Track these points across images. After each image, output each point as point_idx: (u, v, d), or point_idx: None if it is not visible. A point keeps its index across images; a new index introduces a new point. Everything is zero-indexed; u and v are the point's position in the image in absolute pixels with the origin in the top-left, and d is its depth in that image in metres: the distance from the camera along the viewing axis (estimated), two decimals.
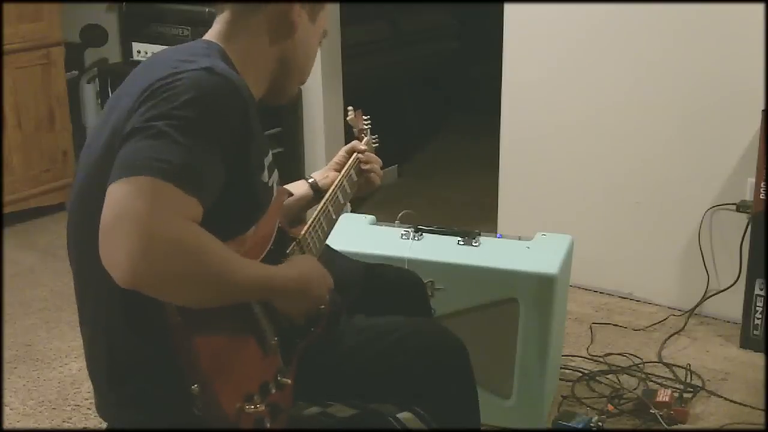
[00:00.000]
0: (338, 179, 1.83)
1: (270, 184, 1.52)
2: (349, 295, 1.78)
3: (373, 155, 1.97)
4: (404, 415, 1.63)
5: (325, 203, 1.74)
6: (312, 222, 1.66)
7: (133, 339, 1.40)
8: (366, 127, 2.04)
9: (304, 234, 1.61)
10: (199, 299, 1.28)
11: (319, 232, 1.68)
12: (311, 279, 1.49)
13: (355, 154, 1.92)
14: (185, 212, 1.24)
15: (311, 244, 1.62)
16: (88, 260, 1.25)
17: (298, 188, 1.87)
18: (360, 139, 2.00)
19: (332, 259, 1.92)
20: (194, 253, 1.23)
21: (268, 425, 1.38)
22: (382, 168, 1.96)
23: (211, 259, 1.25)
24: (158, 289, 1.23)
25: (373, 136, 2.08)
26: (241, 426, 1.34)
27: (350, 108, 2.03)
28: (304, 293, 1.47)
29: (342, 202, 1.81)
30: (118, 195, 1.22)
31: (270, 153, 1.55)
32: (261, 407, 1.36)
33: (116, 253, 1.20)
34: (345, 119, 2.05)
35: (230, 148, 1.34)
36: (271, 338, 1.44)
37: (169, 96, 1.30)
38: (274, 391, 1.42)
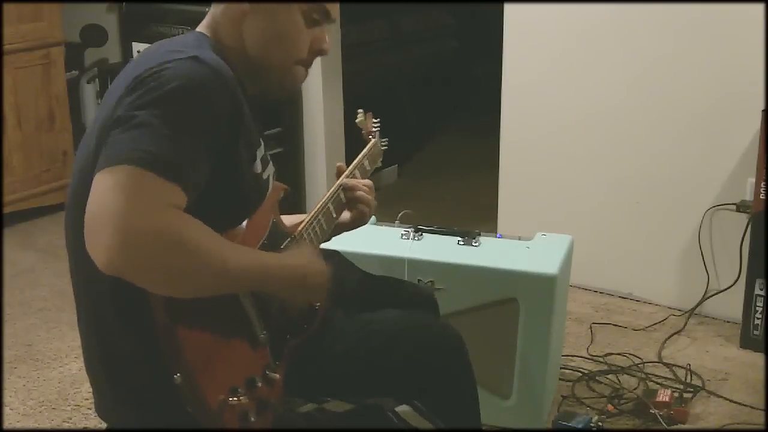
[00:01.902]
0: (333, 188, 1.77)
1: (264, 177, 1.52)
2: (354, 308, 1.77)
3: (362, 180, 1.82)
4: (402, 409, 1.62)
5: (325, 201, 1.71)
6: (310, 220, 1.64)
7: (128, 336, 1.40)
8: (375, 129, 2.03)
9: (301, 231, 1.60)
10: (185, 287, 1.27)
11: (318, 230, 1.66)
12: (309, 269, 1.46)
13: (342, 177, 1.80)
14: (167, 200, 1.24)
15: (308, 242, 1.61)
16: (83, 254, 1.25)
17: (295, 220, 1.75)
18: (368, 141, 1.99)
19: (341, 268, 1.90)
20: (176, 240, 1.22)
21: (253, 419, 1.37)
22: (375, 190, 1.82)
23: (196, 246, 1.24)
24: (141, 276, 1.23)
25: (383, 139, 2.07)
26: (224, 418, 1.33)
27: (360, 110, 2.01)
28: (300, 283, 1.44)
29: (334, 216, 1.75)
30: (101, 185, 1.23)
31: (263, 145, 1.53)
32: (245, 400, 1.35)
33: (99, 241, 1.20)
34: (355, 121, 2.02)
35: (217, 137, 1.34)
36: (259, 332, 1.44)
37: (156, 85, 1.31)
38: (260, 385, 1.41)
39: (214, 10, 1.54)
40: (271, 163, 1.57)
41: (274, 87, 1.57)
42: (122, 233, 1.19)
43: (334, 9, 1.59)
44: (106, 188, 1.22)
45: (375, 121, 2.05)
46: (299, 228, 1.60)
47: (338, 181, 1.79)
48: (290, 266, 1.43)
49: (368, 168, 1.95)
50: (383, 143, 2.07)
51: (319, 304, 1.59)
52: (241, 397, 1.35)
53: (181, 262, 1.23)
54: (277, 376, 1.45)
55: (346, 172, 1.82)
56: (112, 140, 1.28)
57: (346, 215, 1.80)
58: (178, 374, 1.30)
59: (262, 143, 1.54)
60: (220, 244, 1.29)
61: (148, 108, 1.28)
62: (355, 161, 1.90)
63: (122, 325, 1.40)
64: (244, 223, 1.45)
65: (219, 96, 1.35)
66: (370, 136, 2.01)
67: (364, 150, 1.97)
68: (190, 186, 1.28)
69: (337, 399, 1.63)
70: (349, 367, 1.62)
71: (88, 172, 1.33)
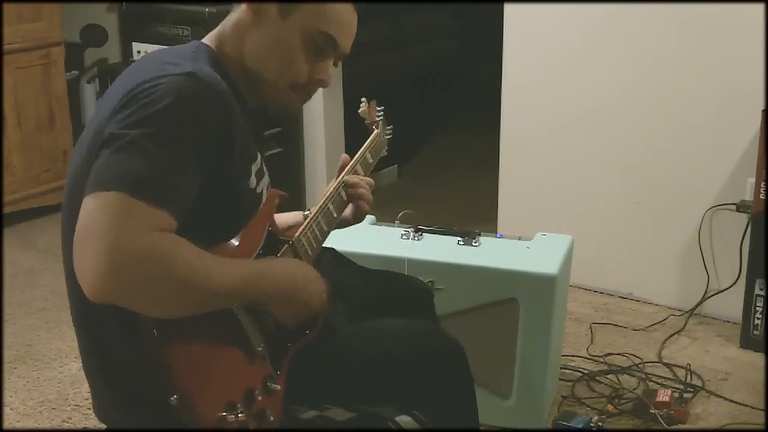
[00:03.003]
0: (335, 185, 1.74)
1: (258, 190, 1.51)
2: (353, 303, 1.76)
3: (363, 178, 1.78)
4: (403, 419, 1.62)
5: (325, 201, 1.69)
6: (308, 223, 1.62)
7: (124, 341, 1.39)
8: (378, 119, 1.99)
9: (299, 236, 1.57)
10: (174, 309, 1.27)
11: (317, 232, 1.64)
12: (301, 280, 1.46)
13: (343, 172, 1.78)
14: (154, 225, 1.24)
15: (306, 246, 1.59)
16: None
17: (293, 218, 1.76)
18: (371, 131, 1.96)
19: (337, 264, 1.89)
20: (164, 264, 1.22)
21: None
22: (374, 191, 1.79)
23: (184, 268, 1.24)
24: (128, 302, 1.23)
25: (388, 127, 2.03)
26: None
27: (363, 99, 1.97)
28: (293, 293, 1.44)
29: (335, 216, 1.73)
30: (88, 210, 1.23)
31: (259, 158, 1.52)
32: (243, 416, 1.33)
33: (84, 269, 1.21)
34: (358, 111, 1.97)
35: (209, 155, 1.33)
36: (257, 344, 1.42)
37: (147, 102, 1.30)
38: (260, 398, 1.39)
39: (225, 20, 1.54)
40: (266, 174, 1.56)
41: (268, 104, 1.56)
42: (108, 260, 1.19)
43: (343, 39, 1.55)
44: (92, 212, 1.23)
45: (379, 109, 2.01)
46: (297, 233, 1.57)
47: (338, 178, 1.76)
48: (282, 276, 1.42)
49: (371, 161, 1.90)
50: (387, 132, 2.03)
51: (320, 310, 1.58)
52: (239, 414, 1.33)
53: (169, 284, 1.24)
54: (278, 387, 1.44)
55: (347, 169, 1.79)
56: (103, 161, 1.27)
57: (345, 212, 1.77)
58: (174, 396, 1.28)
59: (259, 156, 1.53)
60: (208, 261, 1.29)
61: (139, 127, 1.28)
62: (357, 155, 1.86)
63: (118, 330, 1.39)
64: (240, 234, 1.44)
65: (211, 113, 1.34)
66: (374, 126, 1.98)
67: (366, 142, 1.93)
68: (179, 208, 1.28)
69: (338, 406, 1.62)
70: (350, 374, 1.61)
71: (79, 180, 1.33)
